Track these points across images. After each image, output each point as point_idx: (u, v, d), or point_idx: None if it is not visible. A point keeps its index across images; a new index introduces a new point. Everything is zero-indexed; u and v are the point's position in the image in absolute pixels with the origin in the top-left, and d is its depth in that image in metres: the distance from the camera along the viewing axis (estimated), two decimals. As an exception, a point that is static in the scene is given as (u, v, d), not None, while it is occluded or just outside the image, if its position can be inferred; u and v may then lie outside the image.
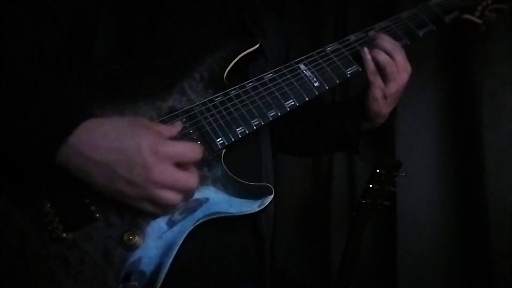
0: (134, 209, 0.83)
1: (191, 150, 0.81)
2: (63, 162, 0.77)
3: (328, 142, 1.26)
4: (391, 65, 1.03)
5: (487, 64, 1.87)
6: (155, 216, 0.85)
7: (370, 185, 1.69)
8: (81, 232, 0.83)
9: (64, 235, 0.82)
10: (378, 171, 1.65)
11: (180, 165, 0.80)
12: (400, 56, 1.05)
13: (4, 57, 0.83)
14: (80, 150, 0.76)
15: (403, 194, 2.07)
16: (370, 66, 1.04)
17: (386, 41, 1.05)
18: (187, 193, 0.83)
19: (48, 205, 0.82)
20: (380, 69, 1.04)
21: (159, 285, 0.81)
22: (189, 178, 0.80)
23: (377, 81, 1.05)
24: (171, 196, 0.79)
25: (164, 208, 0.82)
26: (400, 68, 1.04)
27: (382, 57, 1.03)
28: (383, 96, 1.06)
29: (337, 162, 2.43)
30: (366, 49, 1.05)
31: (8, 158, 0.80)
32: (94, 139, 0.77)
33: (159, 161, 0.76)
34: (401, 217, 2.10)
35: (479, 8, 1.29)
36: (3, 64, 0.81)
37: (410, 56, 1.08)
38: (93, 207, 0.84)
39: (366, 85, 1.08)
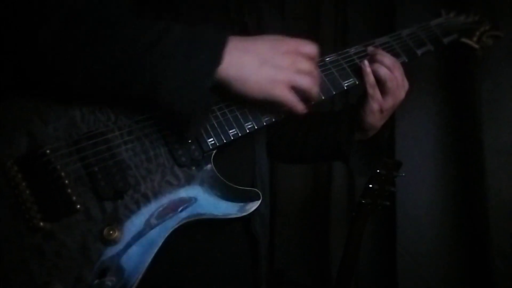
0: (116, 204, 0.82)
1: (305, 43, 0.91)
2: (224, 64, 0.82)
3: (318, 148, 1.25)
4: (392, 79, 1.05)
5: (486, 64, 1.87)
6: (137, 212, 0.83)
7: (370, 185, 1.70)
8: (60, 223, 0.80)
9: (41, 224, 0.78)
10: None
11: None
12: (399, 73, 1.07)
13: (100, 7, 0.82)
14: (236, 47, 0.84)
15: (403, 194, 2.07)
16: (370, 78, 1.05)
17: (386, 57, 1.06)
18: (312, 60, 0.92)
19: (28, 192, 0.79)
20: (380, 83, 1.06)
21: (135, 283, 0.79)
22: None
23: (376, 94, 1.06)
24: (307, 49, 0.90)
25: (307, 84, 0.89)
26: (398, 84, 1.06)
27: (383, 71, 1.05)
28: (380, 109, 1.08)
29: (337, 162, 2.42)
30: (366, 62, 1.06)
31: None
32: (244, 41, 0.87)
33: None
34: (401, 217, 2.10)
35: (477, 33, 1.32)
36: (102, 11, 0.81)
37: (409, 68, 1.11)
38: (74, 198, 0.81)
39: (363, 97, 1.09)
